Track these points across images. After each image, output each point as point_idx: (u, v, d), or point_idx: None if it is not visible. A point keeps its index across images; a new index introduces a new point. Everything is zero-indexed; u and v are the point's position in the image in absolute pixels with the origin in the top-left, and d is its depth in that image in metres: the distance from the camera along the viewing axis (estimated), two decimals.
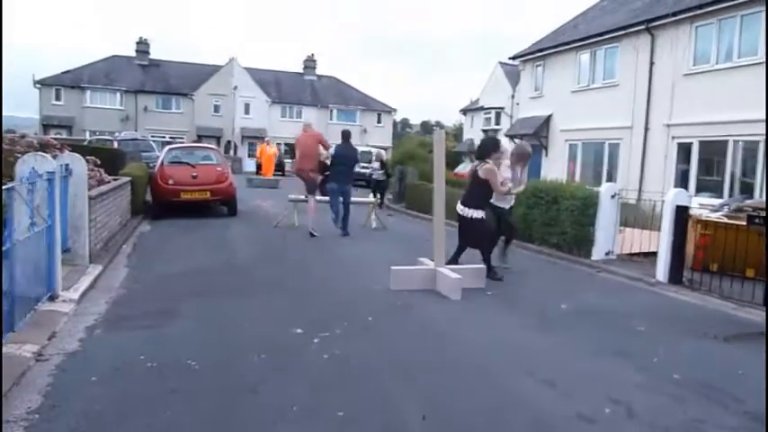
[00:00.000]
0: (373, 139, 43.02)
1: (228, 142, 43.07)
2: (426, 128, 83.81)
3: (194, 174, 12.91)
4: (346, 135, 11.34)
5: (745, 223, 7.79)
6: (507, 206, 8.17)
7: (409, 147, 34.98)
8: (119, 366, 4.03)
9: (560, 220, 9.85)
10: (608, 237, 9.38)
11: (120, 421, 3.22)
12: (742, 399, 3.97)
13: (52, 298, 5.33)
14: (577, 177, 18.14)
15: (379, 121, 47.99)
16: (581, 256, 9.45)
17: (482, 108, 40.33)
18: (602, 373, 4.34)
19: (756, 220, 7.49)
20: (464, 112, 46.33)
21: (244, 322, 5.21)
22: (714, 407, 3.84)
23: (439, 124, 72.13)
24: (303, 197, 11.56)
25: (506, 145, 10.53)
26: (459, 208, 7.47)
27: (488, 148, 7.66)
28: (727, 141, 13.79)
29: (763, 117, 11.88)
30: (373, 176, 17.28)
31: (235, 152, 41.66)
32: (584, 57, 18.94)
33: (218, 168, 13.47)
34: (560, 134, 19.94)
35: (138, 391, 3.63)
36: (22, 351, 4.03)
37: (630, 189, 13.76)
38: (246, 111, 44.52)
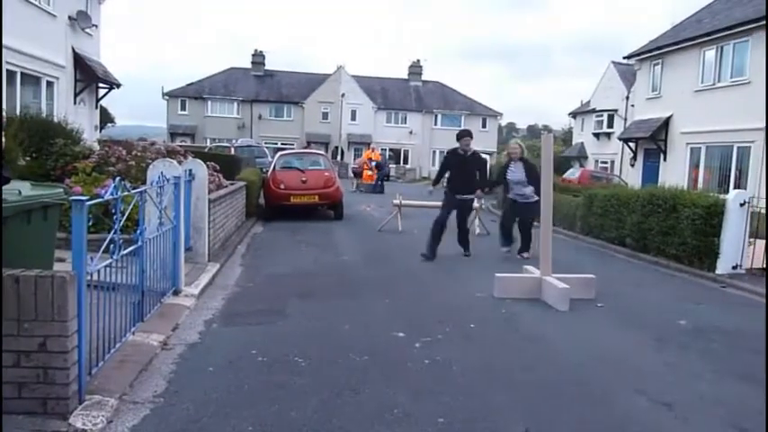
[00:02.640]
0: (478, 144, 42.46)
1: (336, 148, 44.45)
2: (533, 132, 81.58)
3: (303, 179, 13.45)
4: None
5: None
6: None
7: None
8: (233, 359, 4.28)
9: (680, 230, 9.19)
10: (736, 249, 8.61)
11: (232, 411, 3.42)
12: None
13: (176, 293, 5.77)
14: (700, 184, 16.84)
15: (483, 126, 47.31)
16: (703, 269, 8.75)
17: (593, 111, 38.60)
18: (725, 398, 3.99)
19: None
20: (573, 115, 44.57)
21: (348, 323, 5.34)
22: None
23: (547, 128, 69.82)
24: (410, 202, 11.97)
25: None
26: None
27: None
28: None
29: None
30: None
31: (342, 157, 42.89)
32: (710, 53, 17.56)
33: (326, 173, 13.94)
34: (680, 137, 18.61)
35: (249, 383, 3.84)
36: (149, 340, 4.40)
37: (762, 197, 12.55)
38: (353, 117, 45.72)
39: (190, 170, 7.13)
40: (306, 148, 31.26)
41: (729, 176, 16.55)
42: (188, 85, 45.78)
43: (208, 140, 38.67)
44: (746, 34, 16.01)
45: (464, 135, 9.48)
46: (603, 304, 6.50)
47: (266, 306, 5.92)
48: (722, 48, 17.06)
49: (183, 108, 44.99)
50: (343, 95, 44.53)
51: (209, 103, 44.96)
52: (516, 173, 9.21)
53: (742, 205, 8.60)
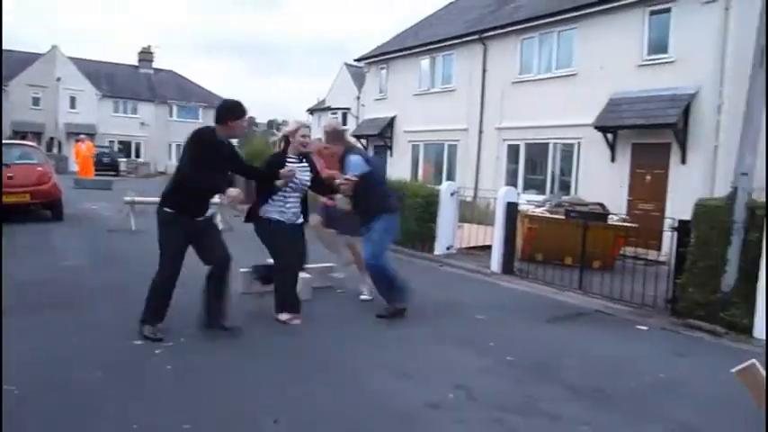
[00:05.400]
0: None
1: (51, 139, 38.84)
2: (273, 127, 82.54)
3: (10, 174, 11.44)
4: None
5: (563, 217, 8.82)
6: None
7: (257, 145, 34.20)
8: None
9: (405, 217, 10.27)
10: (448, 232, 9.97)
11: None
12: (565, 373, 4.47)
13: None
14: (420, 176, 19.06)
15: None
16: (425, 252, 9.95)
17: (329, 108, 40.65)
18: (446, 361, 4.62)
19: (572, 214, 8.48)
20: (311, 111, 46.37)
21: (76, 337, 4.73)
22: (543, 383, 4.27)
23: (285, 123, 71.28)
24: (144, 199, 10.96)
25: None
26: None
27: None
28: (548, 144, 15.36)
29: (575, 123, 13.45)
30: None
31: (59, 150, 37.68)
32: (425, 62, 19.93)
33: (40, 168, 12.08)
34: (404, 135, 20.78)
35: None
36: None
37: (468, 187, 14.75)
38: (72, 105, 40.47)
39: None
40: (22, 139, 26.62)
41: (442, 170, 19.09)
42: None
43: None
44: (452, 48, 18.58)
45: None
46: (343, 290, 6.94)
47: None
48: (435, 58, 19.53)
49: None
50: (59, 79, 39.05)
51: None
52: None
53: (452, 195, 10.00)
